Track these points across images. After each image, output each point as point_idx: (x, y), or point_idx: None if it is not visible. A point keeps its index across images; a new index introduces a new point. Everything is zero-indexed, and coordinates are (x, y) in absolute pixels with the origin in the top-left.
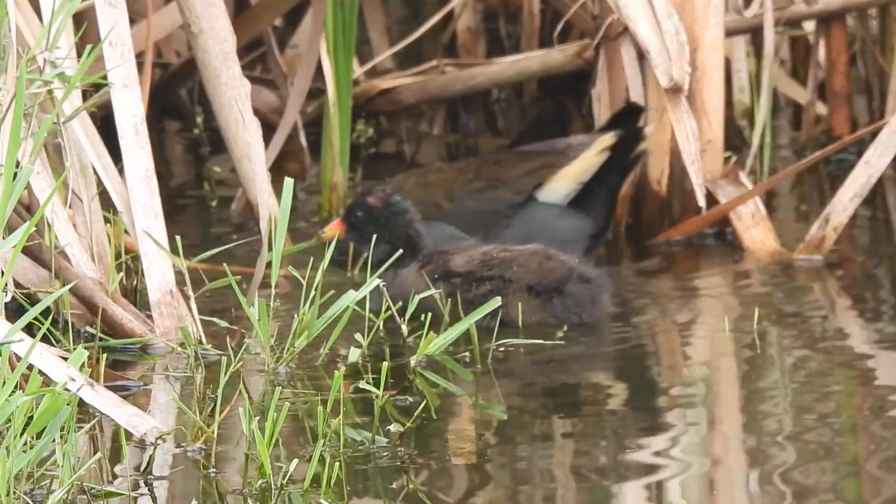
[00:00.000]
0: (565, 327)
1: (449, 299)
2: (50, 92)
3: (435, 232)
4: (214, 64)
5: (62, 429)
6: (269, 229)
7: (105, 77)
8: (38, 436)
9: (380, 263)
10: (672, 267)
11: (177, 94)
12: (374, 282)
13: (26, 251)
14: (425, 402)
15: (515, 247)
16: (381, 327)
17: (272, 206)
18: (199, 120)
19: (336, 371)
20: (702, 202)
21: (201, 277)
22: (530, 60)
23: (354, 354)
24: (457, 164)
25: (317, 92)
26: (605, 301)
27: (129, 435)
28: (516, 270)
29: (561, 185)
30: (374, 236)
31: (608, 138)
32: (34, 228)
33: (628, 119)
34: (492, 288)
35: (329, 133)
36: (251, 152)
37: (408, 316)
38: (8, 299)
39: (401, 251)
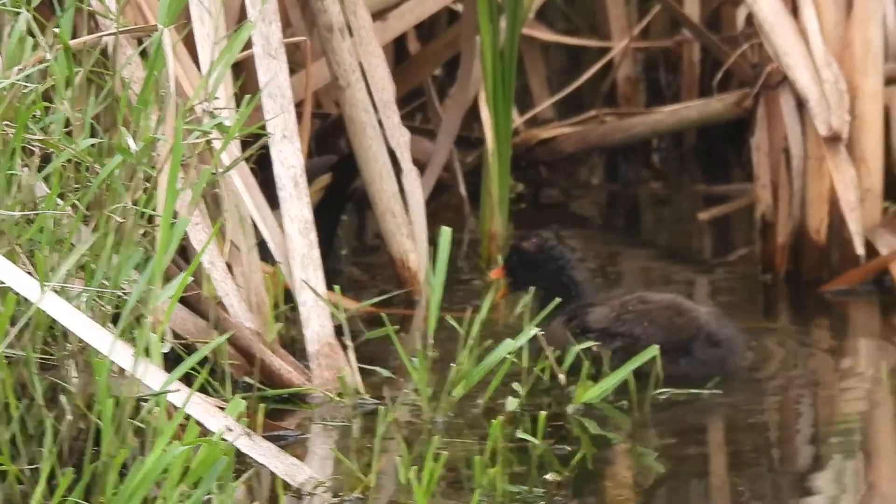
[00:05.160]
0: (718, 378)
1: (591, 353)
2: (208, 142)
3: None
4: (361, 118)
5: (219, 479)
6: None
7: (264, 127)
8: (195, 486)
9: (537, 310)
10: (830, 315)
11: (336, 145)
12: (531, 331)
13: (184, 301)
14: (583, 450)
15: (653, 296)
16: (541, 376)
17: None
18: None
19: (493, 421)
20: (860, 251)
21: (358, 325)
22: (690, 109)
23: (512, 404)
24: None
25: (476, 142)
26: (737, 361)
27: (286, 485)
28: (647, 326)
29: None
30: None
31: (323, 179)
32: (192, 279)
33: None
34: (623, 345)
35: (488, 183)
36: (410, 200)
37: (565, 367)
38: (166, 350)
39: (558, 300)
